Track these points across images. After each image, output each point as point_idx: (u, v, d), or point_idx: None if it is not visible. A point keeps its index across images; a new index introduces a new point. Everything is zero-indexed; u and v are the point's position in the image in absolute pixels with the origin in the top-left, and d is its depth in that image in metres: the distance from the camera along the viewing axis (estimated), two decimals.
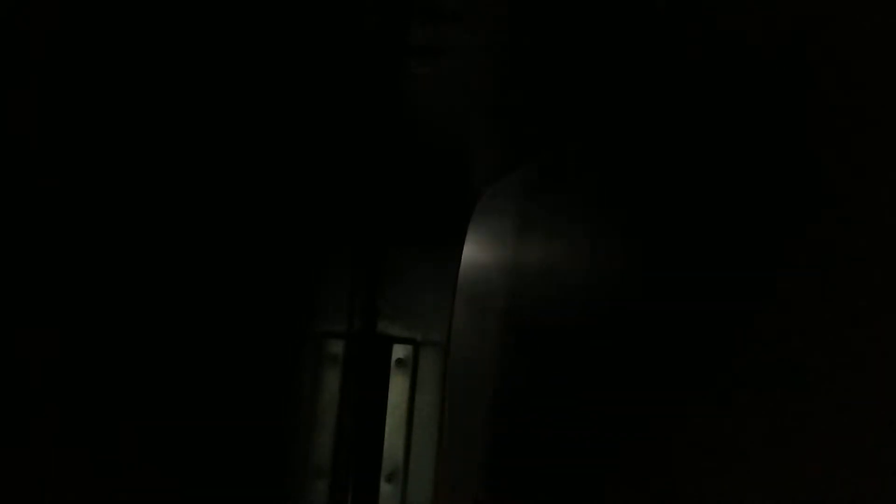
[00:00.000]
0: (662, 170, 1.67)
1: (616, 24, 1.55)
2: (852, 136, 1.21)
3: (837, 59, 1.25)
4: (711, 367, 1.43)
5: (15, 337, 1.38)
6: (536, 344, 2.01)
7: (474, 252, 2.20)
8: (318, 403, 2.02)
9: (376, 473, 2.03)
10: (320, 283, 2.05)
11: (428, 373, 2.09)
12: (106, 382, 1.58)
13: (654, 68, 1.62)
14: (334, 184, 2.02)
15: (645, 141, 1.74)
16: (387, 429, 2.06)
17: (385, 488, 2.03)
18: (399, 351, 2.10)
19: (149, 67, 1.63)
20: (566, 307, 1.92)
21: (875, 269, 1.14)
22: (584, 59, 1.67)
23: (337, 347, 2.06)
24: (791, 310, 1.27)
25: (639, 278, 1.68)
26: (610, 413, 1.66)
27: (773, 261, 1.33)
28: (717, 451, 1.37)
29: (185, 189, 1.76)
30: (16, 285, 1.39)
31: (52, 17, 1.45)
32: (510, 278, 2.16)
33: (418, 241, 2.09)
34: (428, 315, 2.10)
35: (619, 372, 1.68)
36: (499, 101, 1.91)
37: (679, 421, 1.49)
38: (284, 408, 1.99)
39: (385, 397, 2.06)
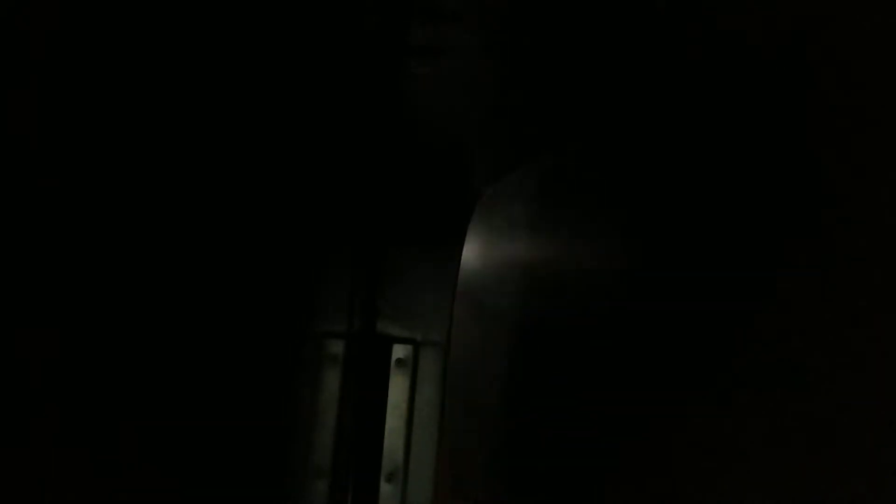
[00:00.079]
0: (662, 170, 1.67)
1: (616, 25, 1.55)
2: (852, 136, 1.21)
3: (837, 59, 1.25)
4: (711, 367, 1.43)
5: (15, 337, 1.38)
6: (536, 343, 2.01)
7: (474, 252, 2.20)
8: (318, 403, 2.02)
9: (376, 473, 2.03)
10: (320, 283, 2.05)
11: (428, 373, 2.09)
12: (106, 382, 1.58)
13: (654, 68, 1.62)
14: (334, 184, 2.02)
15: (644, 141, 1.74)
16: (387, 429, 2.05)
17: (385, 488, 2.03)
18: (399, 351, 2.10)
19: (149, 67, 1.63)
20: (566, 307, 1.92)
21: (875, 269, 1.14)
22: (584, 60, 1.67)
23: (337, 347, 2.06)
24: (791, 310, 1.27)
25: (638, 278, 1.68)
26: (610, 413, 1.66)
27: (773, 261, 1.33)
28: (717, 451, 1.37)
29: (185, 189, 1.76)
30: (16, 285, 1.39)
31: (52, 17, 1.45)
32: (510, 278, 2.16)
33: (418, 241, 2.09)
34: (428, 315, 2.10)
35: (619, 372, 1.68)
36: (499, 101, 1.90)
37: (679, 421, 1.49)
38: (284, 408, 1.99)
39: (385, 397, 2.06)
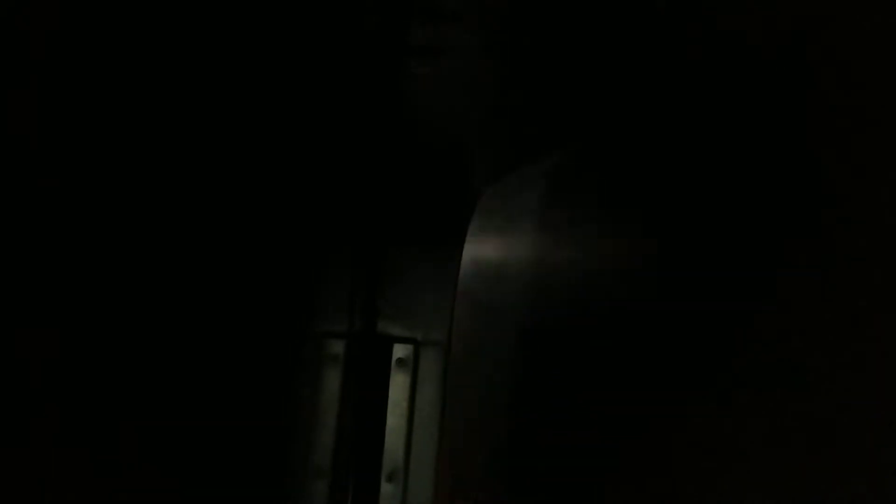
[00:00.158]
0: (661, 170, 1.67)
1: (616, 24, 1.55)
2: (852, 136, 1.21)
3: (837, 59, 1.25)
4: (711, 367, 1.43)
5: (15, 337, 1.38)
6: (536, 343, 2.01)
7: (475, 251, 2.20)
8: (319, 403, 2.02)
9: (377, 473, 2.03)
10: (320, 283, 2.05)
11: (428, 372, 2.09)
12: (106, 382, 1.58)
13: (654, 68, 1.62)
14: (334, 184, 2.02)
15: (644, 141, 1.74)
16: (387, 429, 2.06)
17: (385, 488, 2.03)
18: (399, 350, 2.10)
19: (149, 67, 1.63)
20: (567, 306, 1.92)
21: (875, 269, 1.14)
22: (584, 60, 1.67)
23: (337, 347, 2.06)
24: (791, 310, 1.27)
25: (638, 278, 1.68)
26: (610, 413, 1.66)
27: (773, 261, 1.33)
28: (717, 451, 1.37)
29: (185, 189, 1.76)
30: (16, 285, 1.39)
31: (52, 17, 1.45)
32: (510, 277, 2.16)
33: (418, 241, 2.09)
34: (428, 315, 2.10)
35: (619, 372, 1.68)
36: (499, 101, 1.90)
37: (679, 421, 1.49)
38: (284, 408, 1.99)
39: (385, 397, 2.06)
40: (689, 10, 1.44)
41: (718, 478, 1.36)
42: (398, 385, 2.10)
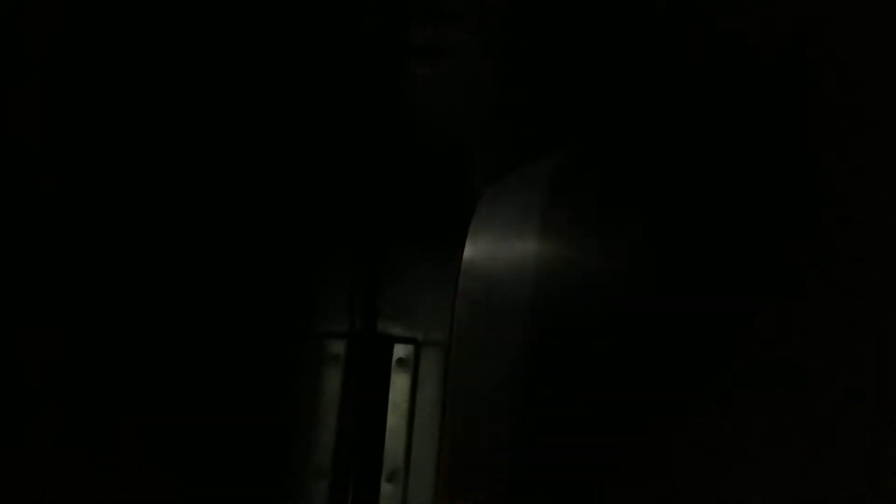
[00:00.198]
0: (662, 169, 1.67)
1: (616, 25, 1.55)
2: (852, 136, 1.21)
3: (837, 59, 1.25)
4: (711, 367, 1.43)
5: (15, 337, 1.38)
6: (536, 343, 2.01)
7: (475, 251, 2.20)
8: (319, 403, 2.02)
9: (377, 473, 2.03)
10: (320, 283, 2.05)
11: (429, 372, 2.09)
12: (106, 382, 1.58)
13: (654, 68, 1.62)
14: (334, 184, 2.02)
15: (644, 141, 1.74)
16: (387, 429, 2.05)
17: (385, 488, 2.03)
18: (400, 350, 2.10)
19: (149, 67, 1.63)
20: (567, 306, 1.91)
21: (875, 269, 1.14)
22: (584, 60, 1.67)
23: (337, 347, 2.06)
24: (791, 310, 1.27)
25: (637, 278, 1.68)
26: (610, 413, 1.66)
27: (773, 261, 1.33)
28: (717, 451, 1.37)
29: (185, 189, 1.76)
30: (16, 285, 1.39)
31: (52, 17, 1.45)
32: (511, 277, 2.16)
33: (418, 241, 2.09)
34: (429, 315, 2.10)
35: (620, 372, 1.68)
36: (499, 101, 1.90)
37: (679, 421, 1.49)
38: (284, 408, 1.99)
39: (386, 397, 2.06)
40: (689, 10, 1.44)
41: (718, 478, 1.35)
42: (398, 385, 2.10)
